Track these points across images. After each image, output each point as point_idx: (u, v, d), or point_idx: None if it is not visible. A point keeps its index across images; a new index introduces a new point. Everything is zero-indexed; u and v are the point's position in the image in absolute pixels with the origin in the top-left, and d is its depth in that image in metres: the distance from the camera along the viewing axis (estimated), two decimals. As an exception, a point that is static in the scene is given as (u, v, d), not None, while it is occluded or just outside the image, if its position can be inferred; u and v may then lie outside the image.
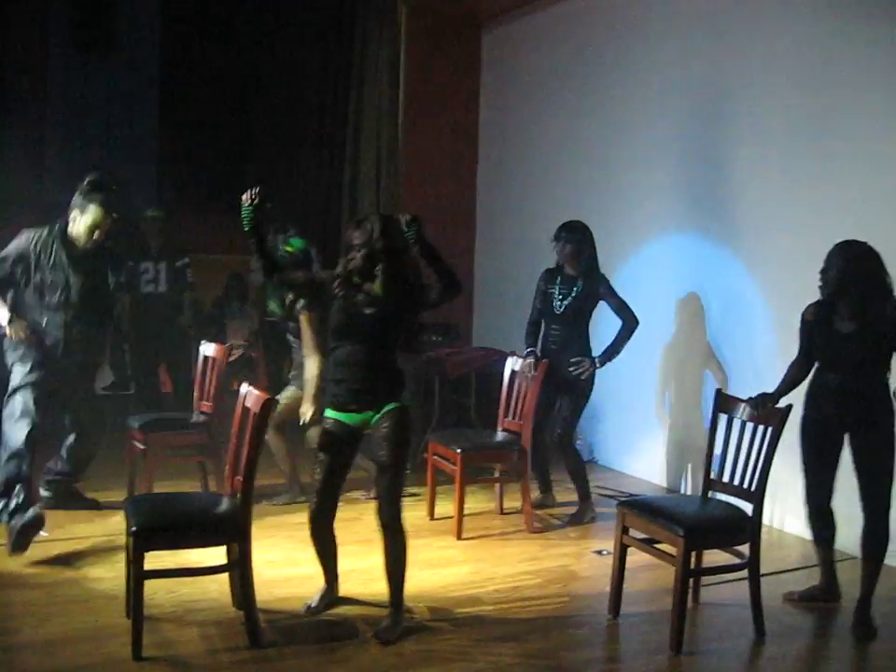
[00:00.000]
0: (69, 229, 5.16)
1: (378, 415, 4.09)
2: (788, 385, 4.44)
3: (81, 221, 5.11)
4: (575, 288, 5.70)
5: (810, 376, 4.43)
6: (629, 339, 5.67)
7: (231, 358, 7.85)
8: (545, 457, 6.00)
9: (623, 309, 5.67)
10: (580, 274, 5.70)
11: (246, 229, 4.14)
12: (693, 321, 6.45)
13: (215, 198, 9.36)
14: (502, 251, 8.62)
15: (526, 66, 8.32)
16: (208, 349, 5.88)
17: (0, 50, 8.61)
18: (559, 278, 5.78)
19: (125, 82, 9.89)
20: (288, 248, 6.03)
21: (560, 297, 5.75)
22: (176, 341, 7.72)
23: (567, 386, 5.70)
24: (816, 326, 4.36)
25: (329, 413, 4.17)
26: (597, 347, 5.74)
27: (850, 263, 4.19)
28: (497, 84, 8.81)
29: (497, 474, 5.98)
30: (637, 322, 5.66)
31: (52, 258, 5.10)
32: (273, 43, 9.36)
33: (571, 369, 5.62)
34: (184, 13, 9.70)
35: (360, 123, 8.56)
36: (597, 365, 5.64)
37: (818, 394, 4.38)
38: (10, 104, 8.50)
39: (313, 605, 4.29)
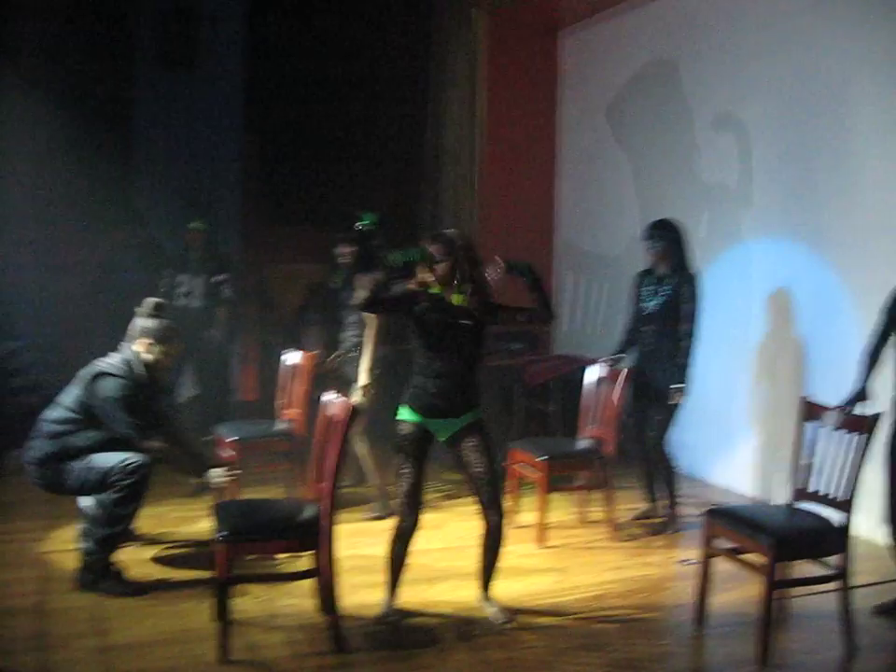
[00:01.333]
0: (146, 357, 4.72)
1: (462, 424, 4.21)
2: (869, 367, 4.43)
3: (159, 350, 4.73)
4: (665, 289, 5.62)
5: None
6: (690, 352, 5.55)
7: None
8: (650, 466, 5.91)
9: (685, 320, 5.53)
10: (670, 274, 5.63)
11: (402, 263, 4.24)
12: (784, 325, 6.33)
13: (296, 209, 9.51)
14: (583, 256, 8.58)
15: (605, 71, 8.28)
16: (294, 357, 5.96)
17: (88, 69, 8.86)
18: (650, 278, 5.72)
19: (210, 97, 10.07)
20: (362, 224, 6.05)
21: (650, 298, 5.68)
22: (207, 356, 7.80)
23: (658, 392, 5.62)
24: None
25: (412, 417, 4.22)
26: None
27: None
28: (575, 89, 8.78)
29: (580, 482, 5.95)
30: (691, 339, 5.52)
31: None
32: (354, 57, 9.46)
33: (672, 393, 5.52)
34: (267, 29, 9.87)
35: (439, 133, 8.61)
36: (682, 387, 5.52)
37: None
38: (99, 120, 8.73)
39: (390, 615, 4.30)
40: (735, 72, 6.75)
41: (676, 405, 5.60)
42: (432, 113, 8.67)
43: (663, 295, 5.62)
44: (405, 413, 4.25)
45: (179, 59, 9.95)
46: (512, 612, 4.34)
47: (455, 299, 4.17)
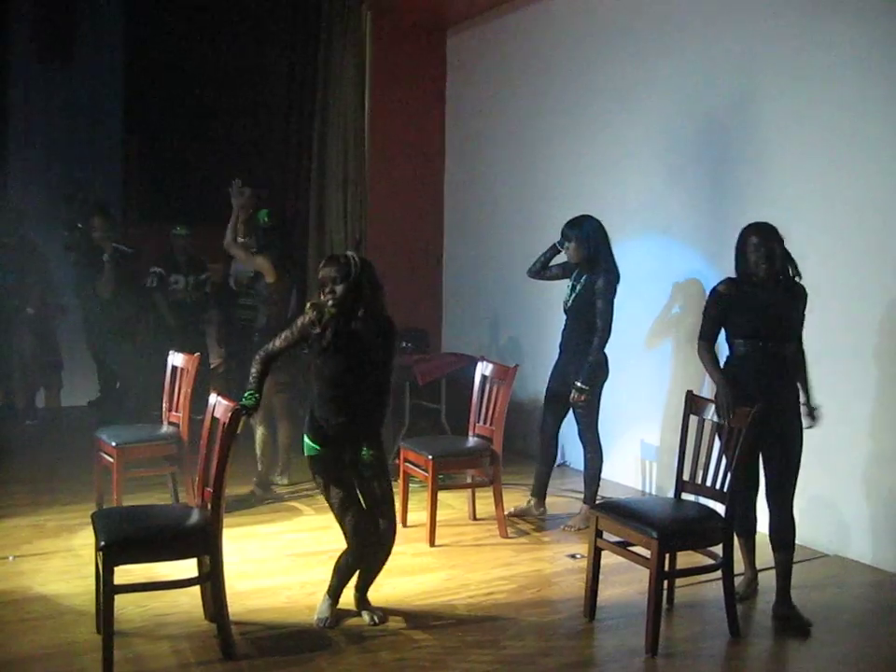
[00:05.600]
0: None
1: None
2: (721, 369, 4.47)
3: None
4: (580, 283, 5.70)
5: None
6: (601, 350, 5.63)
7: (212, 367, 8.03)
8: (551, 462, 6.00)
9: (600, 315, 5.58)
10: (584, 269, 5.70)
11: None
12: (676, 320, 6.46)
13: (179, 207, 9.34)
14: (471, 257, 8.61)
15: (492, 69, 8.33)
16: (177, 359, 5.82)
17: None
18: (575, 272, 5.78)
19: (89, 93, 9.82)
20: (261, 222, 6.74)
21: (570, 291, 5.77)
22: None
23: (569, 382, 5.69)
24: (737, 299, 4.44)
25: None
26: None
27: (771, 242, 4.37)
28: (463, 88, 8.81)
29: (469, 480, 5.96)
30: (607, 335, 5.61)
31: None
32: (238, 50, 9.32)
33: (573, 394, 5.63)
34: (148, 23, 9.65)
35: (326, 130, 8.52)
36: (586, 389, 5.60)
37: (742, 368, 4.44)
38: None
39: (326, 618, 4.22)
40: (622, 71, 6.84)
41: (593, 397, 5.67)
42: (319, 110, 8.58)
43: (576, 290, 5.71)
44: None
45: (56, 52, 9.68)
46: (385, 613, 4.32)
47: (358, 326, 4.06)
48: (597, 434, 5.80)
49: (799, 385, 4.47)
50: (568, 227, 5.72)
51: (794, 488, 4.39)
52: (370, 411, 4.16)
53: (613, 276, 5.63)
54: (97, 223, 7.65)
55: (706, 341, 4.51)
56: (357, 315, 4.04)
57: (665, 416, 6.45)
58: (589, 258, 5.64)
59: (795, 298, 4.43)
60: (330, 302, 4.02)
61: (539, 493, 6.03)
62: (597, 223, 5.69)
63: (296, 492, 6.36)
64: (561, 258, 5.88)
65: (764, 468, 4.42)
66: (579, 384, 5.59)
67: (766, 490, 4.43)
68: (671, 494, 4.58)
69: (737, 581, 4.48)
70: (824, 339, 5.02)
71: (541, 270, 5.93)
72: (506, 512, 5.92)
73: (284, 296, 6.45)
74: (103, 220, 7.67)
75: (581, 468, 5.96)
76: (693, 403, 4.51)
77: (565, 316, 5.85)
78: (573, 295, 5.72)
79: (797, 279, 4.43)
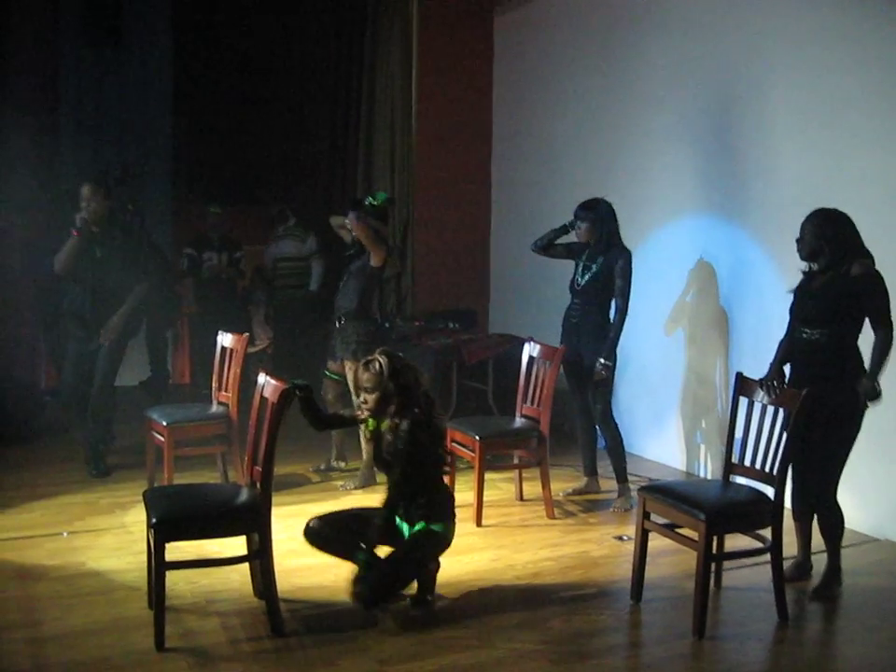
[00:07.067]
0: None
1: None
2: (781, 358, 4.49)
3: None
4: (595, 264, 5.72)
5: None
6: (622, 327, 5.65)
7: (253, 349, 8.02)
8: (593, 439, 6.02)
9: (621, 293, 5.65)
10: (600, 250, 5.71)
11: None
12: (709, 300, 6.41)
13: (227, 188, 9.38)
14: (517, 237, 8.56)
15: (539, 50, 8.27)
16: (226, 339, 5.87)
17: (12, 47, 8.61)
18: (586, 253, 5.80)
19: (137, 76, 9.89)
20: (374, 202, 6.18)
21: (582, 271, 5.79)
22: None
23: (589, 366, 5.69)
24: (800, 288, 4.49)
25: None
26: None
27: (821, 227, 4.35)
28: (509, 68, 8.76)
29: (516, 461, 5.97)
30: (623, 315, 5.64)
31: None
32: (286, 33, 9.34)
33: (598, 367, 5.61)
34: (195, 6, 9.68)
35: (373, 112, 8.55)
36: (610, 364, 5.62)
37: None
38: (24, 99, 8.50)
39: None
40: (667, 55, 6.78)
41: (612, 374, 5.69)
42: (366, 92, 8.60)
43: (592, 271, 5.72)
44: None
45: (106, 35, 9.75)
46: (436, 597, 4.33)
47: (386, 425, 4.18)
48: (611, 412, 5.82)
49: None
50: (583, 209, 5.75)
51: (836, 474, 4.36)
52: (408, 499, 4.22)
53: (629, 256, 5.70)
54: (85, 193, 6.32)
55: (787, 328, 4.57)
56: (390, 416, 4.16)
57: (710, 395, 6.40)
58: (601, 239, 5.69)
59: (840, 284, 4.29)
60: (366, 412, 4.21)
61: (590, 471, 6.06)
62: (610, 205, 5.75)
63: (347, 473, 6.38)
64: (567, 238, 5.93)
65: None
66: (602, 359, 5.60)
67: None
68: (718, 475, 4.55)
69: (788, 563, 4.46)
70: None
71: (547, 246, 5.98)
72: (563, 493, 5.94)
73: (378, 282, 6.45)
74: (91, 192, 6.36)
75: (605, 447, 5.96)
76: (742, 385, 4.47)
77: (571, 296, 5.87)
78: (588, 276, 5.75)
79: (847, 263, 4.30)
